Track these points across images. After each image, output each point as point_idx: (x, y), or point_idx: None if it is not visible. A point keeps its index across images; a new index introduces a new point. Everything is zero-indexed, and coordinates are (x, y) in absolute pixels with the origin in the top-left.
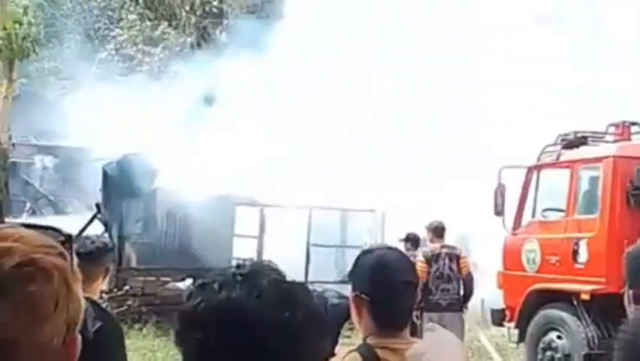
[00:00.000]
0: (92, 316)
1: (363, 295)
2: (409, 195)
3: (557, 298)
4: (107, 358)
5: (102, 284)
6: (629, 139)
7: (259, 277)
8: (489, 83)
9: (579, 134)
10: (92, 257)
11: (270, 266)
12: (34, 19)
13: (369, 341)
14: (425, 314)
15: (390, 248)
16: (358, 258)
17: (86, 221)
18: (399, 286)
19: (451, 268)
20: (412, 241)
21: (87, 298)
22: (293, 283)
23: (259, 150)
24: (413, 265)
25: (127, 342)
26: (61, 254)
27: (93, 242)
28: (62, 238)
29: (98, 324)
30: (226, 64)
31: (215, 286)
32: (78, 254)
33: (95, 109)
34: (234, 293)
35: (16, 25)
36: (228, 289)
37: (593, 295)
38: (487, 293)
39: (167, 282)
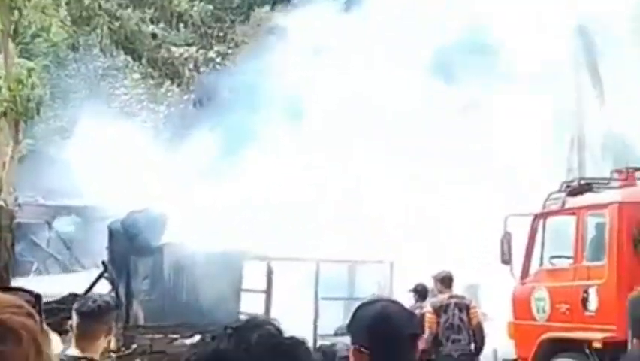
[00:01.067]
0: None
1: (362, 349)
2: (417, 245)
3: (569, 347)
4: None
5: (105, 343)
6: (633, 185)
7: (249, 331)
8: None
9: (583, 181)
10: (94, 316)
11: (268, 321)
12: (39, 80)
13: None
14: None
15: (390, 300)
16: (357, 310)
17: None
18: (401, 339)
19: (461, 319)
20: (420, 292)
21: (89, 359)
22: (287, 338)
23: (265, 201)
24: (415, 316)
25: None
26: (29, 314)
27: (95, 301)
28: (32, 299)
29: None
30: (231, 117)
31: (207, 339)
32: (80, 313)
33: (102, 166)
34: (222, 345)
35: (20, 87)
36: (218, 342)
37: (605, 343)
38: (500, 343)
39: (176, 339)
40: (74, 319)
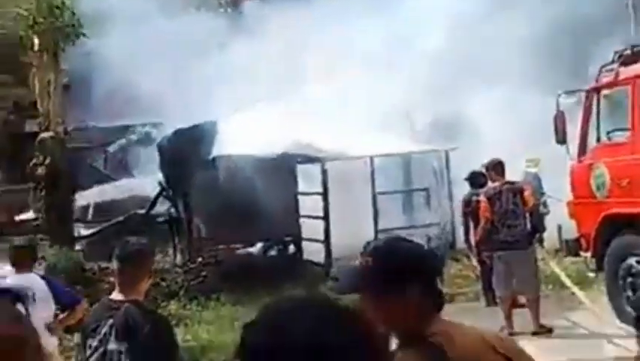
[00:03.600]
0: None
1: None
2: (471, 133)
3: (632, 222)
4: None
5: (147, 285)
6: None
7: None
8: None
9: (636, 48)
10: (133, 261)
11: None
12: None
13: None
14: (494, 254)
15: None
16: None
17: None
18: None
19: (515, 204)
20: (474, 180)
21: (133, 301)
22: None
23: (314, 103)
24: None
25: (207, 314)
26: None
27: (133, 245)
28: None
29: (146, 328)
30: (279, 21)
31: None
32: (120, 259)
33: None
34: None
35: (56, 11)
36: None
37: None
38: (564, 220)
39: (238, 248)
40: (115, 264)
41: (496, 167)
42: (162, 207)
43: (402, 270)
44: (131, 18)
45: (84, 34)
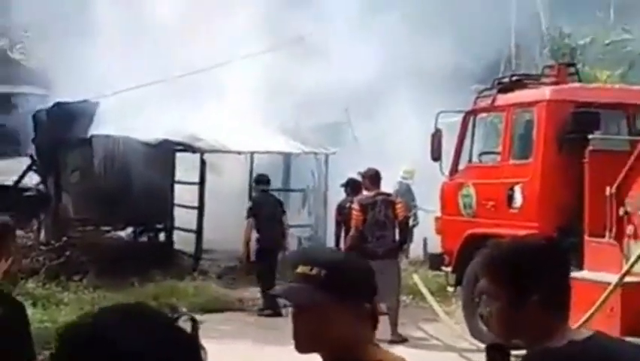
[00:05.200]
0: None
1: None
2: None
3: None
4: (8, 345)
5: (5, 265)
6: (564, 82)
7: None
8: None
9: (515, 78)
10: None
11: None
12: None
13: None
14: None
15: None
16: None
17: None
18: None
19: (386, 215)
20: (351, 186)
21: None
22: None
23: (201, 91)
24: None
25: (67, 295)
26: None
27: None
28: None
29: None
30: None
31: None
32: None
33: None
34: None
35: None
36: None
37: None
38: (430, 234)
39: (108, 231)
40: None
41: (372, 177)
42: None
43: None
44: None
45: None
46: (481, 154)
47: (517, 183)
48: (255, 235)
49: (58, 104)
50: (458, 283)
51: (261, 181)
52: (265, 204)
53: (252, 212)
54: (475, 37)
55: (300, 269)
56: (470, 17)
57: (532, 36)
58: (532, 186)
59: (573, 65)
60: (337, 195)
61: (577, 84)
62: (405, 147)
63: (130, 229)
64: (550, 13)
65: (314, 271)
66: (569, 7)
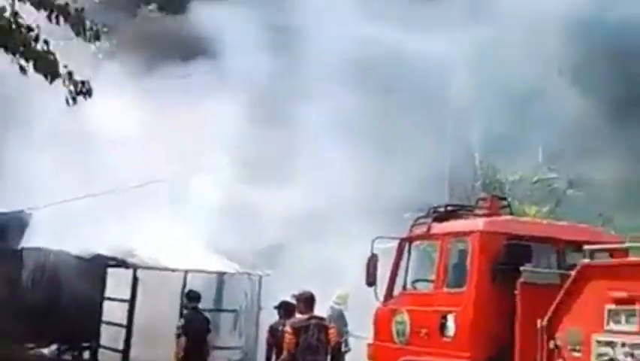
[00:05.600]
0: None
1: None
2: (288, 260)
3: None
4: None
5: None
6: (497, 214)
7: None
8: None
9: (450, 208)
10: None
11: None
12: None
13: None
14: None
15: None
16: None
17: None
18: None
19: (319, 339)
20: (285, 309)
21: None
22: None
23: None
24: None
25: None
26: None
27: None
28: None
29: None
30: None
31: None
32: None
33: None
34: None
35: None
36: None
37: None
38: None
39: (32, 348)
40: None
41: (307, 299)
42: None
43: None
44: None
45: None
46: (415, 281)
47: (451, 311)
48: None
49: None
50: None
51: (192, 298)
52: (195, 322)
53: (183, 330)
54: (414, 168)
55: None
56: (409, 150)
57: (466, 170)
58: (465, 315)
59: (505, 198)
60: (270, 316)
61: (509, 217)
62: (341, 272)
63: (54, 346)
64: (483, 149)
65: None
66: (500, 145)
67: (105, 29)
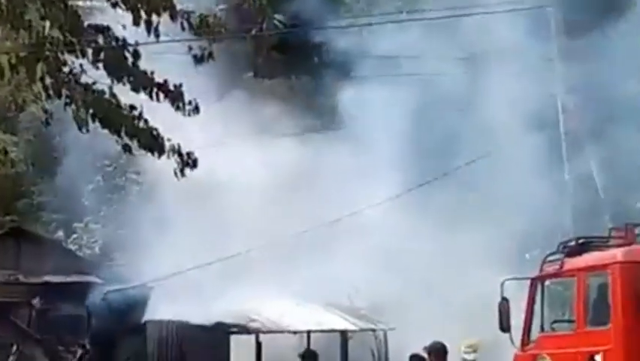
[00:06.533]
0: None
1: None
2: (411, 312)
3: None
4: None
5: None
6: (633, 242)
7: None
8: None
9: (581, 241)
10: None
11: None
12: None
13: None
14: None
15: None
16: None
17: None
18: None
19: None
20: None
21: None
22: None
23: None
24: None
25: None
26: None
27: None
28: None
29: None
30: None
31: None
32: None
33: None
34: None
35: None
36: None
37: None
38: None
39: None
40: None
41: (438, 351)
42: None
43: None
44: None
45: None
46: (554, 322)
47: (598, 351)
48: None
49: (108, 293)
50: None
51: (305, 357)
52: None
53: None
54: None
55: None
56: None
57: (589, 201)
58: (615, 354)
59: None
60: None
61: None
62: (465, 321)
63: None
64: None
65: None
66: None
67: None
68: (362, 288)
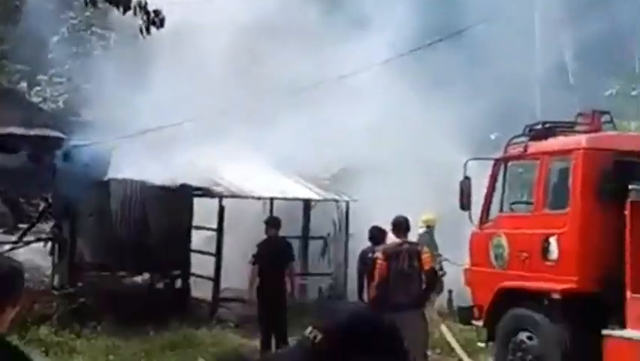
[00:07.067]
0: None
1: None
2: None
3: (527, 296)
4: None
5: (12, 314)
6: (599, 130)
7: None
8: None
9: (547, 125)
10: None
11: None
12: None
13: None
14: (386, 315)
15: None
16: None
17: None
18: None
19: (411, 265)
20: (376, 235)
21: None
22: None
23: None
24: None
25: (80, 343)
26: None
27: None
28: None
29: None
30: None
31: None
32: None
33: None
34: None
35: None
36: None
37: (565, 294)
38: (456, 286)
39: (123, 277)
40: None
41: (400, 225)
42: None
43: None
44: None
45: None
46: (513, 203)
47: (553, 234)
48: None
49: (71, 149)
50: (490, 338)
51: (270, 224)
52: (270, 249)
53: (256, 258)
54: (500, 89)
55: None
56: (495, 70)
57: (559, 85)
58: (570, 237)
59: (608, 112)
60: (358, 243)
61: (614, 132)
62: (429, 197)
63: (146, 275)
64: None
65: (310, 334)
66: (593, 60)
67: None
68: (334, 155)
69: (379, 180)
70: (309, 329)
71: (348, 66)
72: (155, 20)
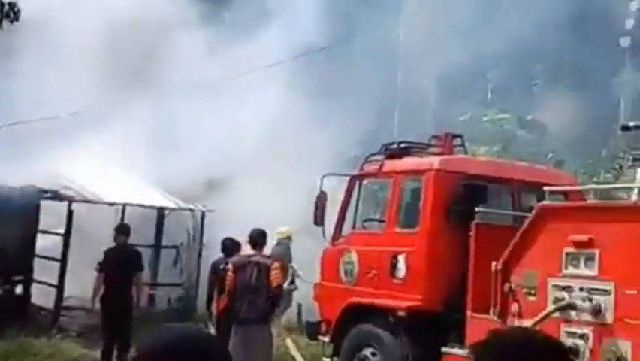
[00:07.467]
0: None
1: None
2: (232, 195)
3: (374, 313)
4: None
5: None
6: (451, 152)
7: None
8: None
9: (403, 145)
10: None
11: None
12: None
13: None
14: (233, 328)
15: None
16: None
17: None
18: None
19: (259, 279)
20: (228, 246)
21: None
22: None
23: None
24: None
25: None
26: None
27: None
28: None
29: None
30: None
31: None
32: None
33: None
34: None
35: None
36: None
37: (410, 311)
38: (306, 301)
39: None
40: None
41: (257, 238)
42: None
43: None
44: None
45: None
46: (365, 220)
47: (402, 252)
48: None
49: None
50: (335, 353)
51: (119, 231)
52: (117, 257)
53: (102, 266)
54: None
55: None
56: (358, 92)
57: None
58: (417, 256)
59: (460, 136)
60: (212, 253)
61: (464, 156)
62: (288, 210)
63: None
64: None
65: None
66: (451, 85)
67: None
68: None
69: (243, 191)
70: (133, 349)
71: (218, 71)
72: (9, 13)
